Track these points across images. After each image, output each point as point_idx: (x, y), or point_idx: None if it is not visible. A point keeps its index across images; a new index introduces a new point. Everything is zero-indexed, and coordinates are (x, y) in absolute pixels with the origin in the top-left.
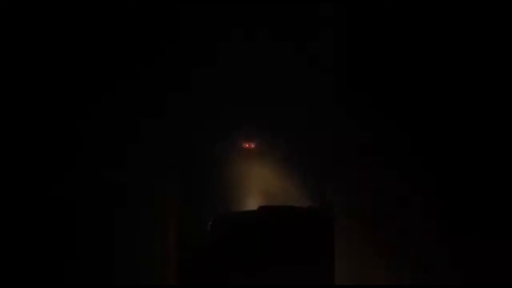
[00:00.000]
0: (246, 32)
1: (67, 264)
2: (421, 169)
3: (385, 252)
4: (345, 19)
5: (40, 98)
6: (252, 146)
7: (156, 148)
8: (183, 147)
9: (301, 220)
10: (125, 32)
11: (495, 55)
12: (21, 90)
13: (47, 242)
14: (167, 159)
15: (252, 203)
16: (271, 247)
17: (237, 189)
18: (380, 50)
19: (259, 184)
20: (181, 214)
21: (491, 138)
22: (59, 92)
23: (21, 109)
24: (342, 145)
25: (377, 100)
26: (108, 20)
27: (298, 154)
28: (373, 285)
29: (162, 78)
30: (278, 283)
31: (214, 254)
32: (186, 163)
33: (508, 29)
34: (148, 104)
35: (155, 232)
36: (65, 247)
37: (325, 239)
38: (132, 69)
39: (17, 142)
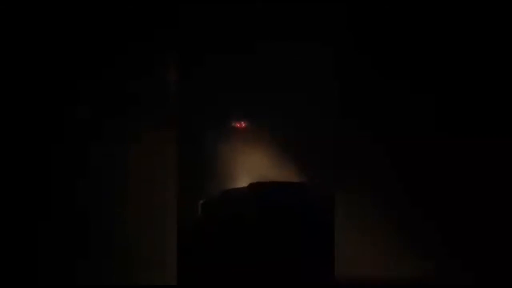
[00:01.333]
0: (246, 31)
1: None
2: (420, 169)
3: (385, 251)
4: (345, 19)
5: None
6: (244, 125)
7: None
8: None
9: (297, 198)
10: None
11: (496, 55)
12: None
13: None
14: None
15: (243, 182)
16: (264, 226)
17: (229, 169)
18: (380, 50)
19: (252, 164)
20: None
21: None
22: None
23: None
24: (342, 145)
25: (377, 100)
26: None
27: (296, 149)
28: (373, 285)
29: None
30: (273, 267)
31: (207, 236)
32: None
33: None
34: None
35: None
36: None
37: (323, 218)
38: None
39: None
